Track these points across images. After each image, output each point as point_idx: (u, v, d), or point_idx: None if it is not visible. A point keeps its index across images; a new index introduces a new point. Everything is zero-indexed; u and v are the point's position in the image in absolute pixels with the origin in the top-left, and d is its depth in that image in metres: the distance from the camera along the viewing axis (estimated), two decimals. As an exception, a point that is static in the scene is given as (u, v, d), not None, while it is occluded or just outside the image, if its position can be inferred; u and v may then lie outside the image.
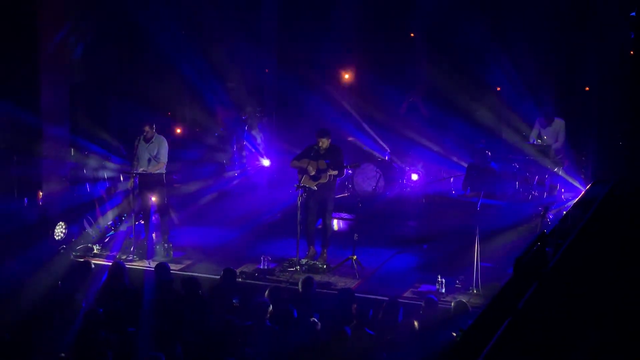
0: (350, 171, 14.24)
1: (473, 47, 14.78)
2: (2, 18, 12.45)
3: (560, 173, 13.34)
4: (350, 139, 15.37)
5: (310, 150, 11.25)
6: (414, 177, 15.00)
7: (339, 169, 11.23)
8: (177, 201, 13.68)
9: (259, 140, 16.58)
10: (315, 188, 11.11)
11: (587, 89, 14.53)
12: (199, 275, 10.45)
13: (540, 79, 14.51)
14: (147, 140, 11.90)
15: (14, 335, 8.02)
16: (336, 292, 9.59)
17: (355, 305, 8.41)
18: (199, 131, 16.20)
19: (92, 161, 14.14)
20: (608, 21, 13.55)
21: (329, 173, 11.14)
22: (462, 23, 14.79)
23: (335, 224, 13.20)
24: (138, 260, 11.54)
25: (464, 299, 9.19)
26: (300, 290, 9.18)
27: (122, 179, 13.52)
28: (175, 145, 13.60)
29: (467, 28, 14.63)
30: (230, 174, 15.75)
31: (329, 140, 11.21)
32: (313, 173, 11.15)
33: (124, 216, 12.98)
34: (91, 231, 12.67)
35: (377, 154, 15.35)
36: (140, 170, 11.89)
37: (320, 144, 11.14)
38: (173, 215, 12.81)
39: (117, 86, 15.27)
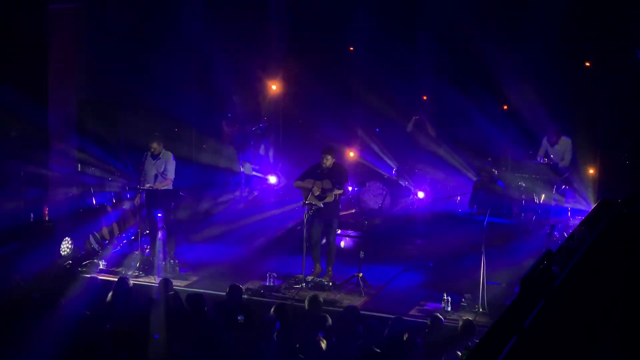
0: (356, 189, 14.22)
1: (480, 63, 14.79)
2: (12, 31, 12.52)
3: (567, 191, 13.31)
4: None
5: (314, 169, 11.26)
6: (421, 194, 14.99)
7: (343, 188, 11.24)
8: (183, 217, 13.68)
9: (265, 155, 16.58)
10: (322, 205, 11.11)
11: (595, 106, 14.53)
12: (205, 291, 10.44)
13: (548, 97, 14.50)
14: (155, 157, 11.93)
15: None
16: (342, 309, 9.56)
17: (360, 323, 8.37)
18: (206, 147, 16.20)
19: (100, 176, 14.15)
20: (619, 42, 13.58)
21: (334, 192, 11.14)
22: (470, 39, 14.80)
23: (342, 243, 13.21)
24: (144, 276, 11.55)
25: (470, 317, 9.16)
26: (306, 307, 9.15)
27: (128, 195, 13.53)
28: (182, 161, 13.58)
29: (475, 44, 14.65)
30: (237, 190, 15.74)
31: (334, 158, 11.24)
32: (318, 193, 11.16)
33: (130, 232, 12.98)
34: (97, 247, 12.69)
35: (383, 172, 15.33)
36: (147, 186, 11.91)
37: (325, 161, 11.14)
38: (179, 231, 12.79)
39: (126, 101, 15.31)
